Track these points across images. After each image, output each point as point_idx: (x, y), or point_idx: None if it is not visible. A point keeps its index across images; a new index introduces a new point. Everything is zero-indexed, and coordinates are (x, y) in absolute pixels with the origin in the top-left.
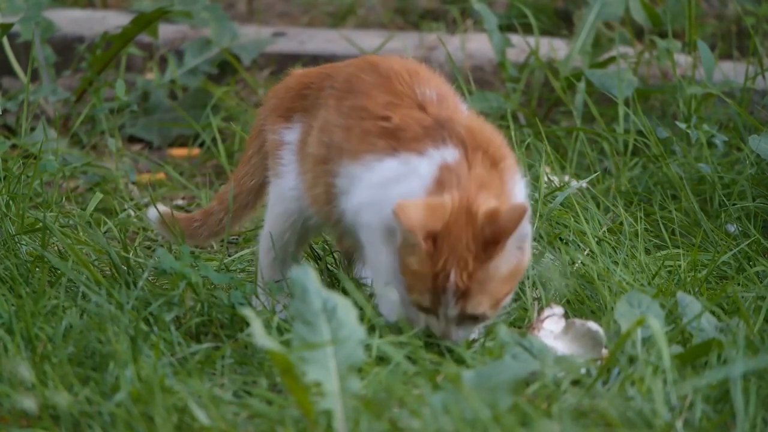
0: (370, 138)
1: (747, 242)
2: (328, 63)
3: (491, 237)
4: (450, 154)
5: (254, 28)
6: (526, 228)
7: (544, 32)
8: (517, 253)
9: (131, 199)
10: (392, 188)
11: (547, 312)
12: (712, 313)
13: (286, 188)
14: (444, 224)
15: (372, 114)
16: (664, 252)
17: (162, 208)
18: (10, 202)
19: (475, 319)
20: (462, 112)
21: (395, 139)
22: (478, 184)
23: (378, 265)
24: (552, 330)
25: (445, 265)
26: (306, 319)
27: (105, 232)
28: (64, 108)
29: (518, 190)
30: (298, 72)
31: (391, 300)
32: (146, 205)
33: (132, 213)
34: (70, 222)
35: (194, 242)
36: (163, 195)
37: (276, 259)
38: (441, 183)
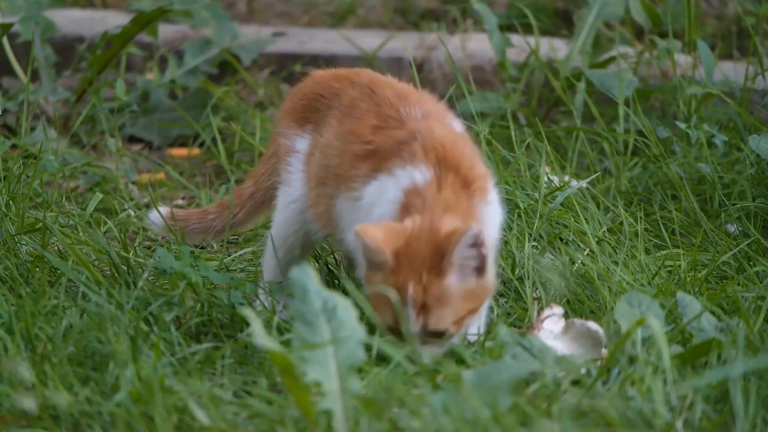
0: (356, 162)
1: (747, 242)
2: (329, 63)
3: (440, 254)
4: (420, 174)
5: (254, 27)
6: (472, 251)
7: (544, 32)
8: (470, 275)
9: (131, 199)
10: (373, 211)
11: (547, 312)
12: (712, 313)
13: (290, 198)
14: (404, 242)
15: (359, 138)
16: (664, 252)
17: (163, 209)
18: (10, 202)
19: (438, 335)
20: (443, 127)
21: (377, 159)
22: (445, 206)
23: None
24: (552, 330)
25: (404, 280)
26: (306, 319)
27: (105, 232)
28: (64, 108)
29: (489, 212)
30: (317, 74)
31: None
32: (146, 205)
33: (132, 213)
34: (70, 222)
35: (205, 235)
36: (162, 195)
37: (280, 261)
38: (406, 208)
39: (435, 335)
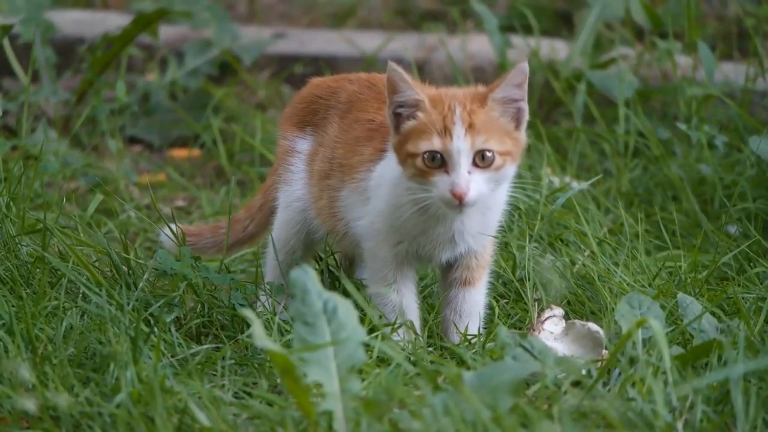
0: (358, 147)
1: (747, 243)
2: (329, 64)
3: (483, 92)
4: None
5: (255, 28)
6: (516, 92)
7: (545, 33)
8: (510, 120)
9: (132, 200)
10: (380, 190)
11: (547, 313)
12: (713, 314)
13: (292, 197)
14: (435, 91)
15: (362, 120)
16: (664, 253)
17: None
18: (11, 203)
19: (485, 161)
20: None
21: (380, 136)
22: None
23: (376, 263)
24: (552, 331)
25: (450, 105)
26: (306, 320)
27: (105, 233)
28: (65, 109)
29: None
30: (314, 80)
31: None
32: (147, 207)
33: (132, 214)
34: (71, 223)
35: (218, 250)
36: (163, 196)
37: (281, 263)
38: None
39: (482, 160)
